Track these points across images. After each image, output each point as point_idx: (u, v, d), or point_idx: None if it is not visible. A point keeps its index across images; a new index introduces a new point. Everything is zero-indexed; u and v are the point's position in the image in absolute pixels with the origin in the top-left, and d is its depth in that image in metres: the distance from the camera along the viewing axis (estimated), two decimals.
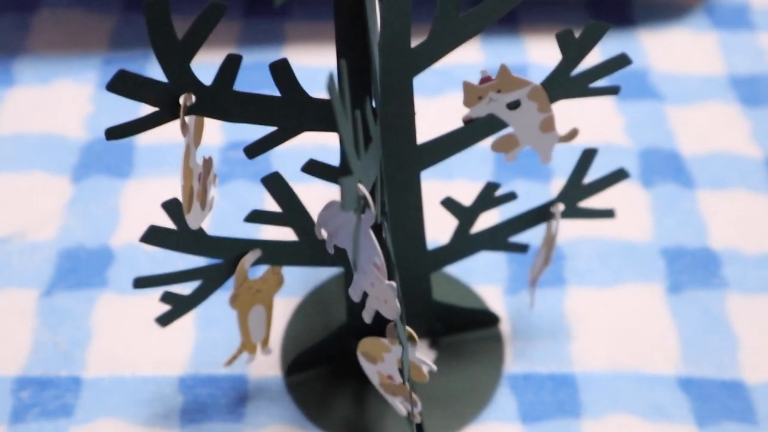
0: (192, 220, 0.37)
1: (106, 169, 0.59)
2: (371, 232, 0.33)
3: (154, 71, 0.64)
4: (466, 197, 0.52)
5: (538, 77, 0.64)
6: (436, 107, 0.62)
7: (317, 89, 0.63)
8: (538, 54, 0.66)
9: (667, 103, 0.63)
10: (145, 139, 0.61)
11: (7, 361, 0.50)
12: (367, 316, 0.36)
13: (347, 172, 0.31)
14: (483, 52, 0.67)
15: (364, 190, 0.32)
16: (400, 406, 0.43)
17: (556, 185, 0.58)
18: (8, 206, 0.57)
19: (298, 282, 0.53)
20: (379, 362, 0.42)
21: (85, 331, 0.51)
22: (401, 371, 0.40)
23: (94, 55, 0.66)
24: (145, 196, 0.58)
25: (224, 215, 0.56)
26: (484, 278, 0.53)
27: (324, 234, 0.36)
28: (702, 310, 0.52)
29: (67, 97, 0.63)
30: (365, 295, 0.36)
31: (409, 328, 0.39)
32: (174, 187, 0.57)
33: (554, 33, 0.66)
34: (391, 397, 0.43)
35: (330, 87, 0.28)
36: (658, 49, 0.67)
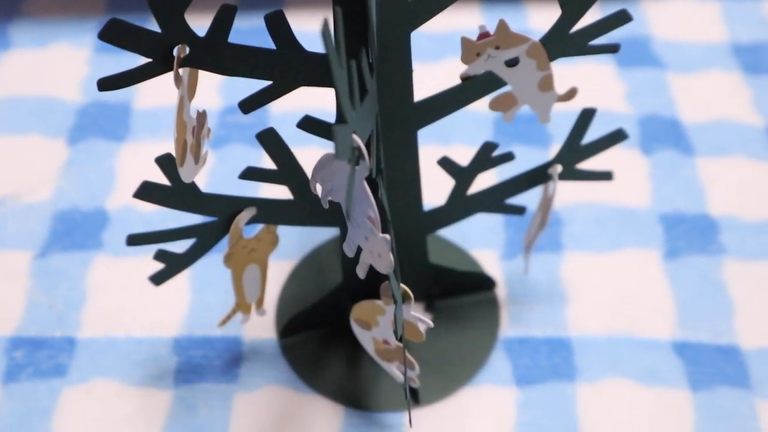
0: (185, 174, 0.37)
1: (102, 133, 0.58)
2: (365, 184, 0.33)
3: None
4: (464, 161, 0.51)
5: None
6: (435, 73, 0.62)
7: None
8: (539, 20, 0.66)
9: (669, 71, 0.63)
10: (141, 102, 0.60)
11: (1, 321, 0.49)
12: (361, 271, 0.36)
13: (341, 120, 0.30)
14: (483, 17, 0.66)
15: (358, 140, 0.32)
16: (396, 372, 0.43)
17: (555, 150, 0.57)
18: (4, 168, 0.57)
19: (294, 245, 0.53)
20: (373, 327, 0.41)
21: (79, 293, 0.51)
22: (396, 331, 0.40)
23: (90, 18, 0.65)
24: (140, 159, 0.57)
25: (220, 179, 0.56)
26: (480, 242, 0.53)
27: (318, 189, 0.36)
28: (699, 275, 0.51)
29: (63, 60, 0.63)
30: (359, 251, 0.36)
31: (403, 286, 0.38)
32: (170, 150, 0.57)
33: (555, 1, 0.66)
34: (387, 364, 0.43)
35: (324, 33, 0.28)
36: (661, 16, 0.66)
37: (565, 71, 0.61)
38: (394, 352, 0.42)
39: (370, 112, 0.35)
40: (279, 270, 0.52)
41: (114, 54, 0.63)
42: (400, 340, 0.40)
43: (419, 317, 0.39)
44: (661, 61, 0.63)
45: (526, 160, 0.56)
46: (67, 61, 0.63)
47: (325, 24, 0.28)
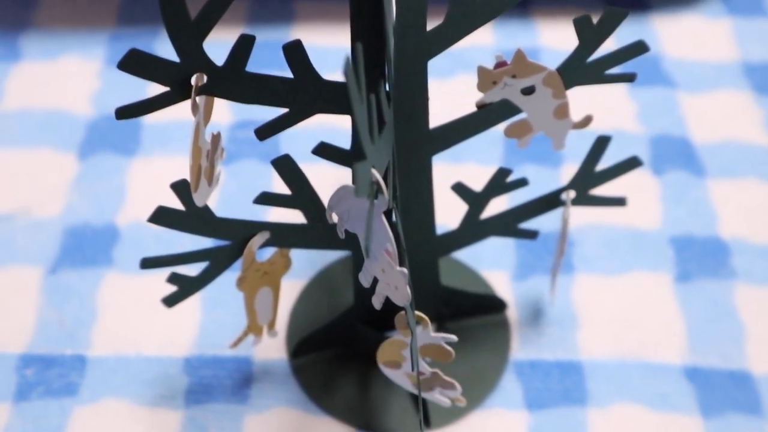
0: (199, 198, 0.37)
1: (112, 147, 0.58)
2: (384, 218, 0.33)
3: (163, 47, 0.64)
4: (476, 181, 0.51)
5: (550, 60, 0.64)
6: (448, 90, 0.62)
7: (327, 69, 0.62)
8: (550, 37, 0.66)
9: (680, 90, 0.63)
10: (151, 116, 0.60)
11: (12, 338, 0.49)
12: (377, 302, 0.36)
13: (361, 156, 0.30)
14: (495, 34, 0.66)
15: (377, 175, 0.31)
16: (442, 398, 0.42)
17: (567, 170, 0.57)
18: (14, 182, 0.56)
19: (305, 263, 0.53)
20: (402, 364, 0.41)
21: (90, 310, 0.51)
22: (413, 364, 0.40)
23: (101, 30, 0.65)
24: (151, 174, 0.57)
25: (232, 195, 0.56)
26: (492, 264, 0.53)
27: (335, 218, 0.36)
28: (710, 299, 0.51)
29: (73, 72, 0.63)
30: (375, 281, 0.36)
31: (419, 312, 0.38)
32: (181, 165, 0.57)
33: (566, 16, 0.66)
34: (430, 394, 0.43)
35: (346, 71, 0.28)
36: (672, 35, 0.66)
37: (577, 90, 0.62)
38: (432, 380, 0.42)
39: (388, 142, 0.35)
40: (290, 289, 0.51)
41: None
42: (418, 373, 0.40)
43: (441, 336, 0.39)
44: (672, 80, 0.63)
45: (537, 179, 0.56)
46: (77, 73, 0.62)
47: (348, 64, 0.28)
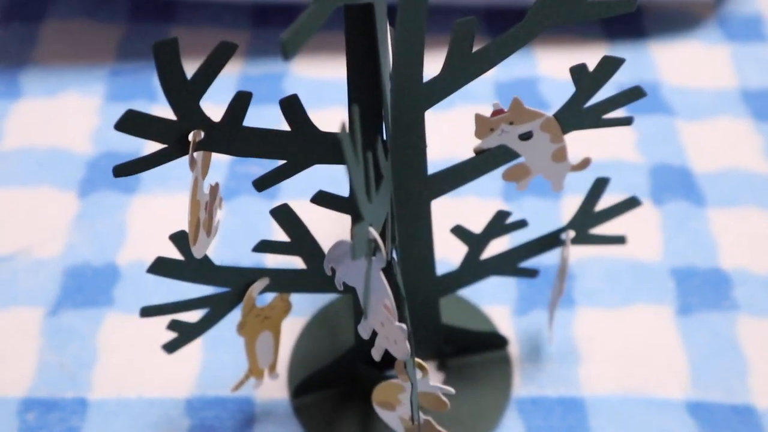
0: (198, 251, 0.37)
1: (112, 184, 0.58)
2: (381, 275, 0.33)
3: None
4: (476, 214, 0.51)
5: (548, 90, 0.64)
6: (447, 120, 0.62)
7: (321, 102, 0.62)
8: (550, 66, 0.66)
9: (679, 118, 0.63)
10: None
11: (13, 381, 0.49)
12: (377, 354, 0.36)
13: (358, 217, 0.30)
14: None
15: (374, 233, 0.32)
16: None
17: (566, 203, 0.57)
18: (14, 222, 0.57)
19: (305, 301, 0.53)
20: (397, 407, 0.41)
21: (90, 352, 0.51)
22: (412, 417, 0.39)
23: (100, 66, 0.65)
24: (151, 212, 0.57)
25: (232, 232, 0.56)
26: (492, 299, 0.53)
27: (332, 271, 0.36)
28: (712, 332, 0.51)
29: (73, 109, 0.63)
30: (375, 333, 0.36)
31: (418, 359, 0.38)
32: (181, 202, 0.57)
33: (565, 45, 0.66)
34: None
35: (342, 138, 0.28)
36: (670, 61, 0.66)
37: None
38: (425, 428, 0.42)
39: (385, 195, 0.35)
40: (290, 327, 0.51)
41: (124, 103, 0.63)
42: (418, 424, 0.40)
43: (438, 386, 0.39)
44: (671, 108, 0.63)
45: (537, 212, 0.57)
46: (77, 110, 0.63)
47: (343, 130, 0.28)
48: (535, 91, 0.65)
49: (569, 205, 0.57)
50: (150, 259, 0.54)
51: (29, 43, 0.67)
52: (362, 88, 0.35)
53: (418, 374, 0.38)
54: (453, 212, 0.56)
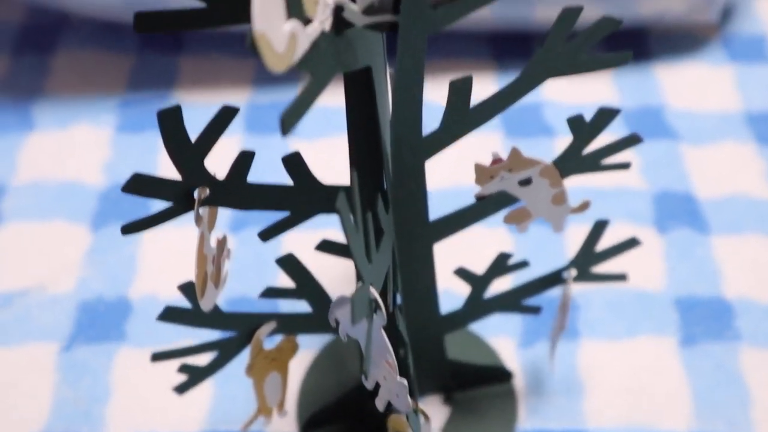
0: (205, 304, 0.38)
1: (124, 217, 0.59)
2: (383, 332, 0.34)
3: None
4: (479, 243, 0.52)
5: (553, 115, 0.65)
6: (448, 147, 0.63)
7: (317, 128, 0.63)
8: (554, 91, 0.66)
9: (683, 143, 0.63)
10: None
11: (30, 418, 0.50)
12: (380, 405, 0.37)
13: (358, 278, 0.31)
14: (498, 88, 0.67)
15: (374, 293, 0.32)
16: None
17: (569, 229, 0.57)
18: (28, 257, 0.58)
19: (312, 335, 0.54)
20: None
21: (104, 387, 0.52)
22: None
23: (111, 96, 0.66)
24: (162, 245, 0.58)
25: (241, 263, 0.57)
26: (497, 330, 0.54)
27: (336, 322, 0.37)
28: (715, 364, 0.52)
29: (85, 141, 0.64)
30: (378, 384, 0.37)
31: (420, 407, 0.39)
32: (191, 234, 0.57)
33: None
34: None
35: (340, 208, 0.28)
36: (675, 84, 0.67)
37: None
38: None
39: (386, 251, 0.35)
40: (299, 361, 0.52)
41: (135, 134, 0.64)
42: None
43: None
44: (675, 132, 0.64)
45: (540, 239, 0.57)
46: (89, 142, 0.64)
47: (342, 200, 0.28)
48: (540, 117, 0.65)
49: (572, 233, 0.57)
50: (161, 293, 0.56)
51: (41, 74, 0.68)
52: (362, 145, 0.35)
53: (421, 419, 0.39)
54: (457, 241, 0.57)
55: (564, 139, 0.63)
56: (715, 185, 0.60)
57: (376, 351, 0.34)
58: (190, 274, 0.55)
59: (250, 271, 0.57)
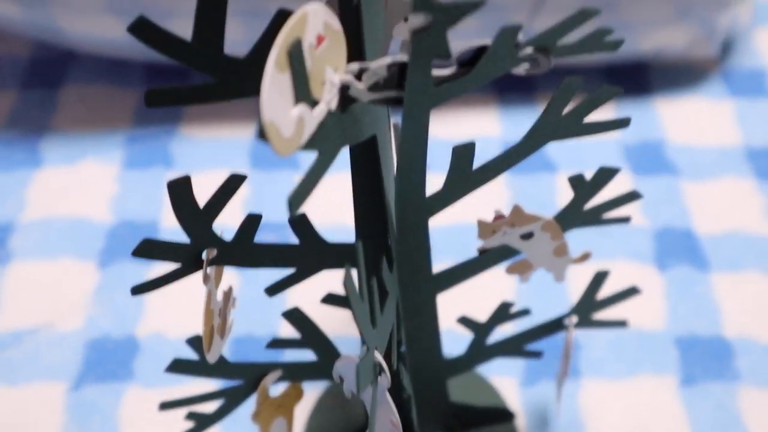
0: (212, 356, 0.39)
1: (130, 255, 0.60)
2: (387, 394, 0.34)
3: (179, 147, 0.65)
4: (482, 285, 0.52)
5: (556, 151, 0.65)
6: None
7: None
8: None
9: (683, 178, 0.64)
10: (168, 221, 0.62)
11: None
12: None
13: (362, 341, 0.32)
14: (500, 123, 0.68)
15: (379, 357, 0.33)
16: None
17: (572, 271, 0.58)
18: (37, 295, 0.58)
19: None
20: None
21: (112, 427, 0.52)
22: None
23: (118, 131, 0.67)
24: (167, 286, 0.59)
25: (247, 302, 0.58)
26: (499, 369, 0.54)
27: (341, 379, 0.37)
28: (715, 404, 0.52)
29: (92, 177, 0.64)
30: None
31: None
32: (197, 274, 0.58)
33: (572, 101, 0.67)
34: None
35: (347, 284, 0.29)
36: (675, 118, 0.67)
37: None
38: None
39: (390, 312, 0.36)
40: (303, 401, 0.53)
41: (142, 170, 0.65)
42: None
43: None
44: (675, 168, 0.64)
45: (541, 282, 0.58)
46: (96, 178, 0.64)
47: (348, 277, 0.29)
48: (542, 152, 0.66)
49: (575, 273, 0.58)
50: (169, 331, 0.57)
51: (49, 108, 0.69)
52: (367, 207, 0.36)
53: None
54: (461, 285, 0.58)
55: (565, 174, 0.64)
56: (715, 221, 0.61)
57: (380, 412, 0.35)
58: (196, 312, 0.56)
59: (256, 309, 0.57)
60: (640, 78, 0.70)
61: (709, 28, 0.66)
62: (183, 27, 0.63)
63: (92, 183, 0.64)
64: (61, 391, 0.54)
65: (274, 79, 0.25)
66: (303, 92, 0.27)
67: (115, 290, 0.59)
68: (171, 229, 0.62)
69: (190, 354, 0.55)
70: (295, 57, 0.26)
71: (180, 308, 0.58)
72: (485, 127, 0.67)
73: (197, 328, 0.56)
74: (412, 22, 0.26)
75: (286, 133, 0.26)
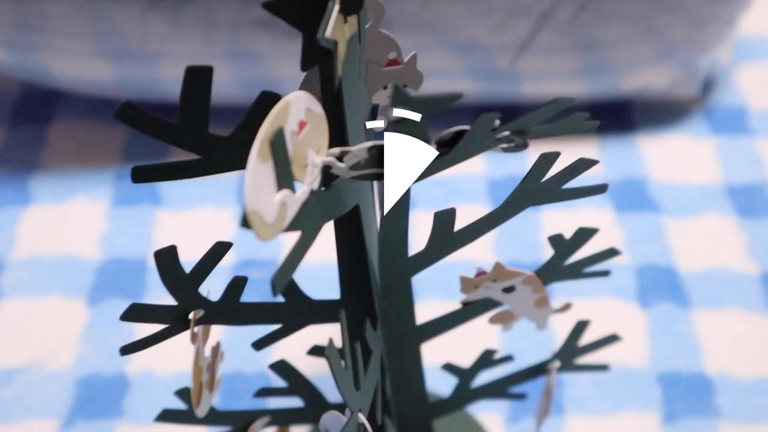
0: (201, 411, 0.40)
1: (120, 292, 0.61)
2: None
3: (167, 184, 0.66)
4: (466, 328, 0.53)
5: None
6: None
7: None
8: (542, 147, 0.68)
9: (665, 216, 0.65)
10: None
11: None
12: None
13: (345, 404, 0.33)
14: (487, 160, 0.68)
15: (362, 419, 0.34)
16: None
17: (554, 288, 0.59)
18: (27, 333, 0.59)
19: None
20: None
21: None
22: None
23: (106, 169, 0.68)
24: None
25: (236, 338, 0.58)
26: (485, 406, 0.55)
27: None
28: None
29: (81, 215, 0.65)
30: None
31: None
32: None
33: (555, 139, 0.68)
34: None
35: (330, 355, 0.30)
36: (658, 155, 0.68)
37: (565, 215, 0.64)
38: None
39: (375, 370, 0.37)
40: None
41: (130, 207, 0.65)
42: None
43: None
44: (658, 205, 0.65)
45: (524, 325, 0.59)
46: (85, 215, 0.65)
47: (332, 348, 0.30)
48: None
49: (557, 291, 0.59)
50: (158, 369, 0.58)
51: (38, 145, 0.69)
52: (351, 269, 0.37)
53: None
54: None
55: (549, 212, 0.65)
56: (697, 259, 0.62)
57: None
58: (186, 350, 0.57)
59: (245, 346, 0.58)
60: (623, 115, 0.71)
61: (690, 68, 0.67)
62: (171, 69, 0.64)
63: (81, 220, 0.65)
64: (53, 429, 0.55)
65: (257, 170, 0.26)
66: (285, 179, 0.28)
67: (105, 328, 0.59)
68: None
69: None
70: (278, 147, 0.27)
71: (169, 345, 0.58)
72: (473, 166, 0.68)
73: (187, 365, 0.57)
74: (391, 114, 0.27)
75: (269, 219, 0.27)
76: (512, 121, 0.30)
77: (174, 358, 0.58)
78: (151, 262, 0.63)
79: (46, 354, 0.58)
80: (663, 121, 0.70)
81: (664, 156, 0.68)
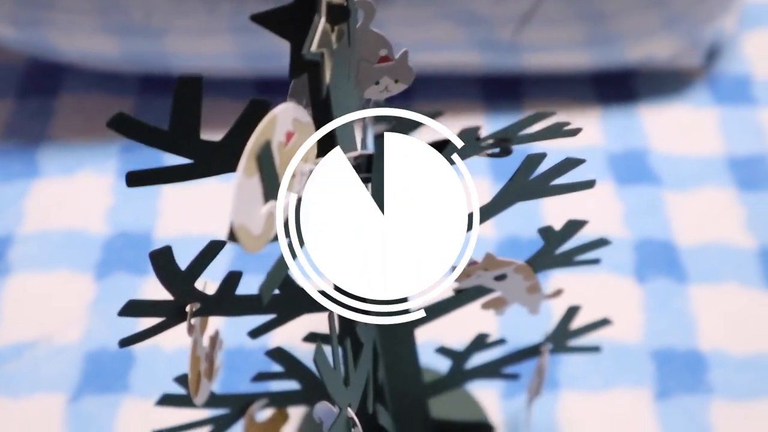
0: (199, 399, 0.41)
1: (126, 266, 0.62)
2: None
3: (172, 156, 0.66)
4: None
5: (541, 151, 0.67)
6: None
7: None
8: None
9: (665, 188, 0.65)
10: (162, 231, 0.64)
11: None
12: None
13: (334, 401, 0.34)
14: (486, 129, 0.69)
15: (351, 414, 0.35)
16: None
17: (555, 280, 0.60)
18: (35, 308, 0.60)
19: None
20: None
21: None
22: None
23: (113, 142, 0.69)
24: (163, 294, 0.61)
25: (236, 343, 0.59)
26: (481, 382, 0.56)
27: (320, 420, 0.40)
28: (688, 417, 0.54)
29: (88, 188, 0.66)
30: None
31: None
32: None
33: (559, 107, 0.68)
34: None
35: (318, 359, 0.31)
36: (659, 126, 0.69)
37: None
38: None
39: (365, 363, 0.38)
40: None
41: None
42: None
43: None
44: (658, 178, 0.66)
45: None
46: (92, 189, 0.66)
47: (320, 352, 0.31)
48: None
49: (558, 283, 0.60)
50: (163, 343, 0.59)
51: (45, 118, 0.70)
52: None
53: None
54: None
55: None
56: (695, 233, 0.63)
57: None
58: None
59: (247, 321, 0.59)
60: (626, 85, 0.71)
61: (694, 38, 0.67)
62: (176, 43, 0.64)
63: (88, 194, 0.66)
64: (61, 403, 0.56)
65: (243, 185, 0.27)
66: (272, 190, 0.28)
67: (112, 302, 0.61)
68: (165, 239, 0.63)
69: (185, 365, 0.57)
70: (265, 160, 0.27)
71: None
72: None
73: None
74: (375, 129, 0.27)
75: (256, 232, 0.28)
76: (497, 130, 0.31)
77: (179, 333, 0.59)
78: (157, 236, 0.64)
79: (53, 328, 0.59)
80: (666, 92, 0.70)
81: (666, 127, 0.68)
